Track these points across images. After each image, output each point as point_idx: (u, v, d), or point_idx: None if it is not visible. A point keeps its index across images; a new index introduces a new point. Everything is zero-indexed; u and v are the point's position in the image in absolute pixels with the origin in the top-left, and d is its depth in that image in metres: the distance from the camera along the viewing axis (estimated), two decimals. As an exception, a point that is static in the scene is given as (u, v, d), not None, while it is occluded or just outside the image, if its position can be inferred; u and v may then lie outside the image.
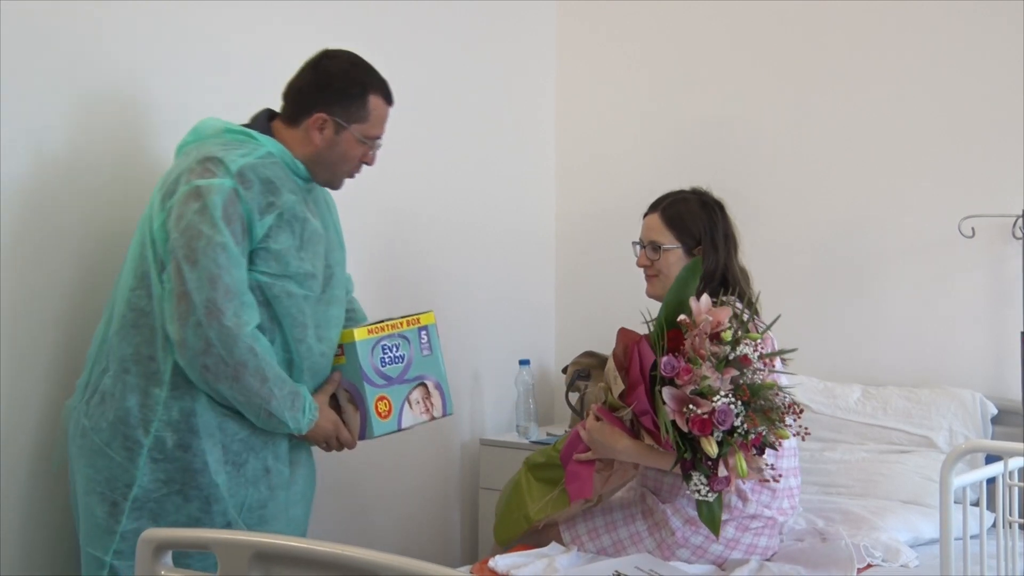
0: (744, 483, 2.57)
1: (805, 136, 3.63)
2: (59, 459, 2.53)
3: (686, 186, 2.91)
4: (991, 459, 2.48)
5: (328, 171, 2.55)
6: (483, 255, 3.80)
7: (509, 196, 3.93)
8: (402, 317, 2.64)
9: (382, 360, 2.57)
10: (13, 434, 2.52)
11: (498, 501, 2.88)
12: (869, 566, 2.61)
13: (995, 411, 3.20)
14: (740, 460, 2.35)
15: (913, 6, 3.43)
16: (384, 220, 3.46)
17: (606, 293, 3.91)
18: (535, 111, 4.06)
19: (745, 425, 2.35)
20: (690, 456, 2.37)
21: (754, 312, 2.65)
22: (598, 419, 2.58)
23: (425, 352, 2.66)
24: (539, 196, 4.07)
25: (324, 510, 3.20)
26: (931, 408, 3.22)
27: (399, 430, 2.61)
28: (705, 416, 2.33)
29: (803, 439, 2.52)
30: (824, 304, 3.57)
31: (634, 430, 2.52)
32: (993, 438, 3.12)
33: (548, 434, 3.68)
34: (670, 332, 2.45)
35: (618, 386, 2.52)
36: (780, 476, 2.54)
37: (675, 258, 2.78)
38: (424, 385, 2.66)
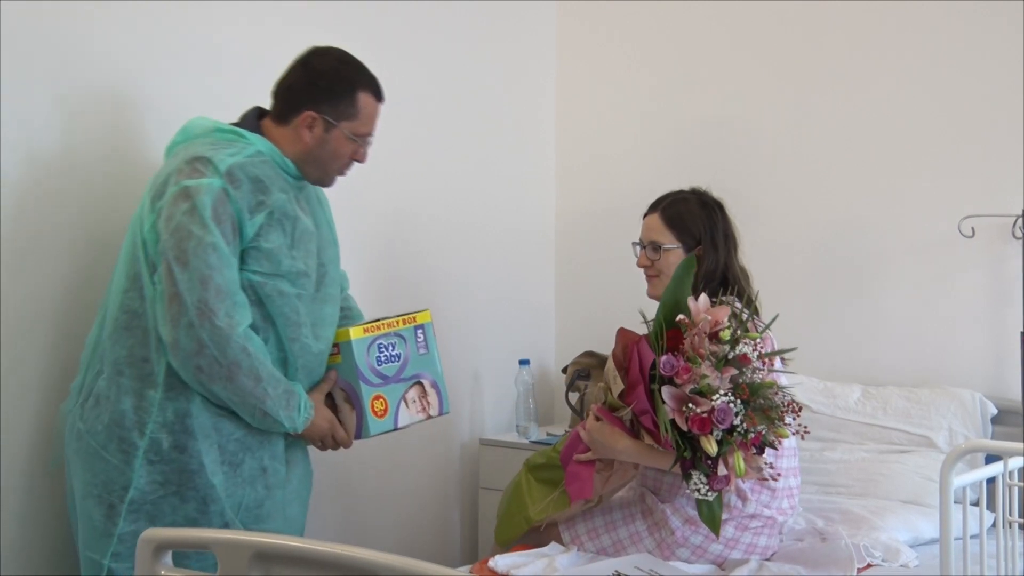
0: (744, 483, 2.57)
1: (805, 136, 3.63)
2: (56, 462, 2.53)
3: (686, 186, 2.91)
4: (991, 459, 2.49)
5: (319, 169, 2.54)
6: (483, 255, 3.80)
7: (509, 196, 3.92)
8: (398, 316, 2.64)
9: (378, 359, 2.57)
10: (8, 438, 2.52)
11: (499, 503, 2.88)
12: (869, 566, 2.61)
13: (995, 411, 3.20)
14: (739, 459, 2.35)
15: (913, 6, 3.43)
16: (384, 220, 3.46)
17: (606, 293, 3.90)
18: (535, 111, 4.06)
19: (744, 424, 2.35)
20: (690, 455, 2.37)
21: (754, 312, 2.65)
22: (598, 419, 2.58)
23: (421, 351, 2.66)
24: (539, 196, 4.07)
25: (324, 510, 3.20)
26: (931, 408, 3.22)
27: (395, 429, 2.61)
28: (704, 415, 2.33)
29: (802, 437, 2.52)
30: (824, 304, 3.57)
31: (634, 430, 2.52)
32: (993, 438, 3.12)
33: (548, 434, 3.68)
34: (669, 331, 2.45)
35: (618, 386, 2.52)
36: (779, 475, 2.54)
37: (675, 258, 2.77)
38: (420, 384, 2.65)
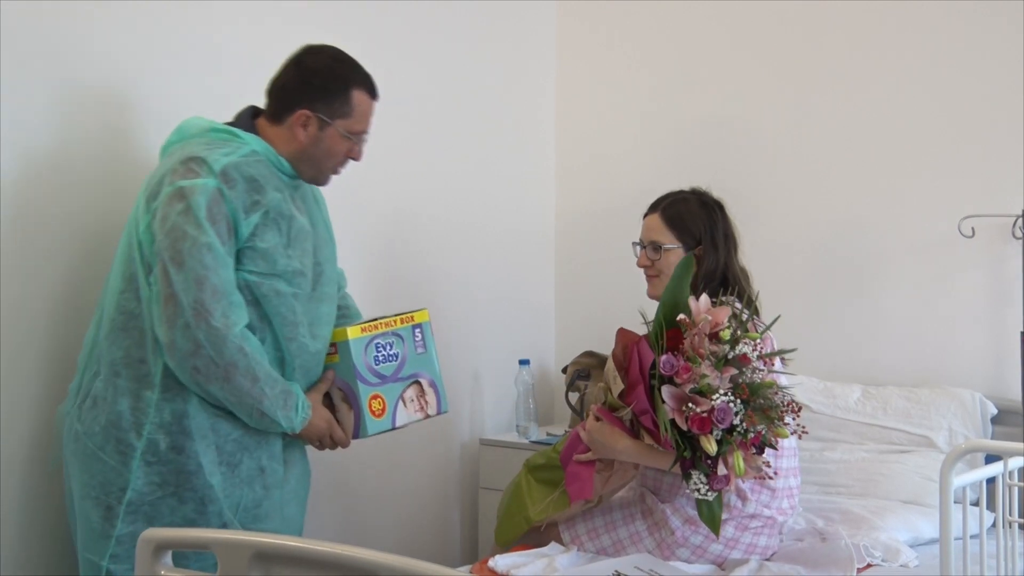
0: (744, 482, 2.57)
1: (805, 136, 3.63)
2: (55, 464, 2.53)
3: (686, 186, 2.91)
4: (991, 459, 2.48)
5: (314, 168, 2.53)
6: (483, 255, 3.80)
7: (509, 196, 3.92)
8: (396, 315, 2.64)
9: (376, 358, 2.57)
10: (7, 438, 2.52)
11: (499, 503, 2.88)
12: (869, 566, 2.61)
13: (995, 411, 3.20)
14: (739, 459, 2.35)
15: (913, 6, 3.43)
16: (384, 220, 3.46)
17: (606, 293, 3.90)
18: (535, 111, 4.06)
19: (744, 424, 2.35)
20: (689, 455, 2.37)
21: (754, 312, 2.65)
22: (598, 419, 2.58)
23: (419, 350, 2.66)
24: (539, 196, 4.07)
25: (323, 510, 3.20)
26: (931, 408, 3.22)
27: (393, 428, 2.61)
28: (704, 414, 2.33)
29: (800, 437, 2.52)
30: (824, 304, 3.57)
31: (634, 430, 2.52)
32: (993, 438, 3.12)
33: (548, 434, 3.68)
34: (669, 331, 2.45)
35: (618, 386, 2.52)
36: (776, 474, 2.54)
37: (675, 258, 2.77)
38: (418, 383, 2.65)
